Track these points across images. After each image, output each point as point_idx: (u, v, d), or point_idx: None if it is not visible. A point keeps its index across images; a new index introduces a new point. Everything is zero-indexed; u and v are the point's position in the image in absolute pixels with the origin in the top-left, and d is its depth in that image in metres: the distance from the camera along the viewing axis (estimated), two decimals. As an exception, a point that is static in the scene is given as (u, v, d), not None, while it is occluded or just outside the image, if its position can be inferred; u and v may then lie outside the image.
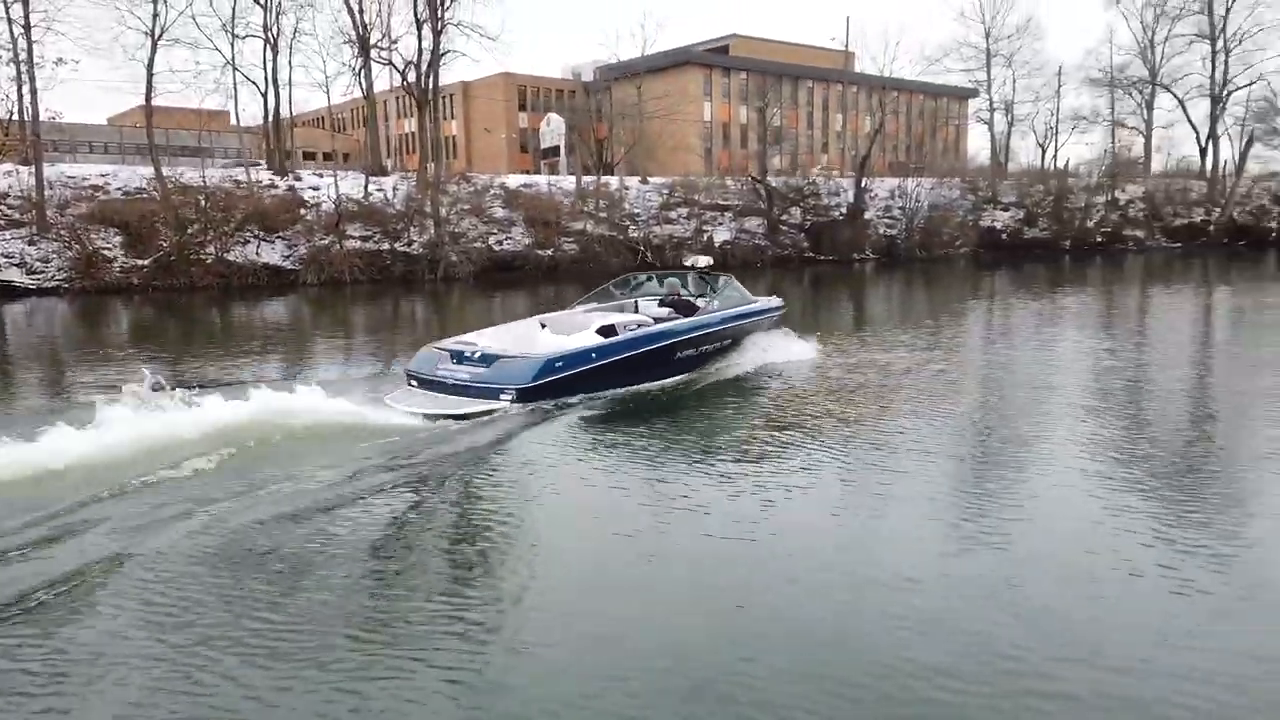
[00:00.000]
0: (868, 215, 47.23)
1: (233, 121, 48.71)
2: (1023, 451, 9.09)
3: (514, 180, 43.56)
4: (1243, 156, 60.55)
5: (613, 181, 45.04)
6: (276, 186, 36.75)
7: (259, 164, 41.56)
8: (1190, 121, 64.11)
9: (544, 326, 12.79)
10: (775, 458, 8.85)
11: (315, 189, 36.46)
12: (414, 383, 11.24)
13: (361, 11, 38.48)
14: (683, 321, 12.80)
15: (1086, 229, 54.27)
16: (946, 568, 5.97)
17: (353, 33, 38.77)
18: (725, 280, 14.64)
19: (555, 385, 10.75)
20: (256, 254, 32.08)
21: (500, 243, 37.66)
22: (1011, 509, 7.13)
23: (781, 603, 5.42)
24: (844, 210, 46.47)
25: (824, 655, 4.78)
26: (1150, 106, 64.78)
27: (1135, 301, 26.94)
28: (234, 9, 40.10)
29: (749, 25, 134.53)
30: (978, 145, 68.58)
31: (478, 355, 11.04)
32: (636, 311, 14.00)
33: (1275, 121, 62.01)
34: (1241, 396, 12.09)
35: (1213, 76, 61.49)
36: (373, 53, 39.10)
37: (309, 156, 61.52)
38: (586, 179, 44.69)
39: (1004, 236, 52.49)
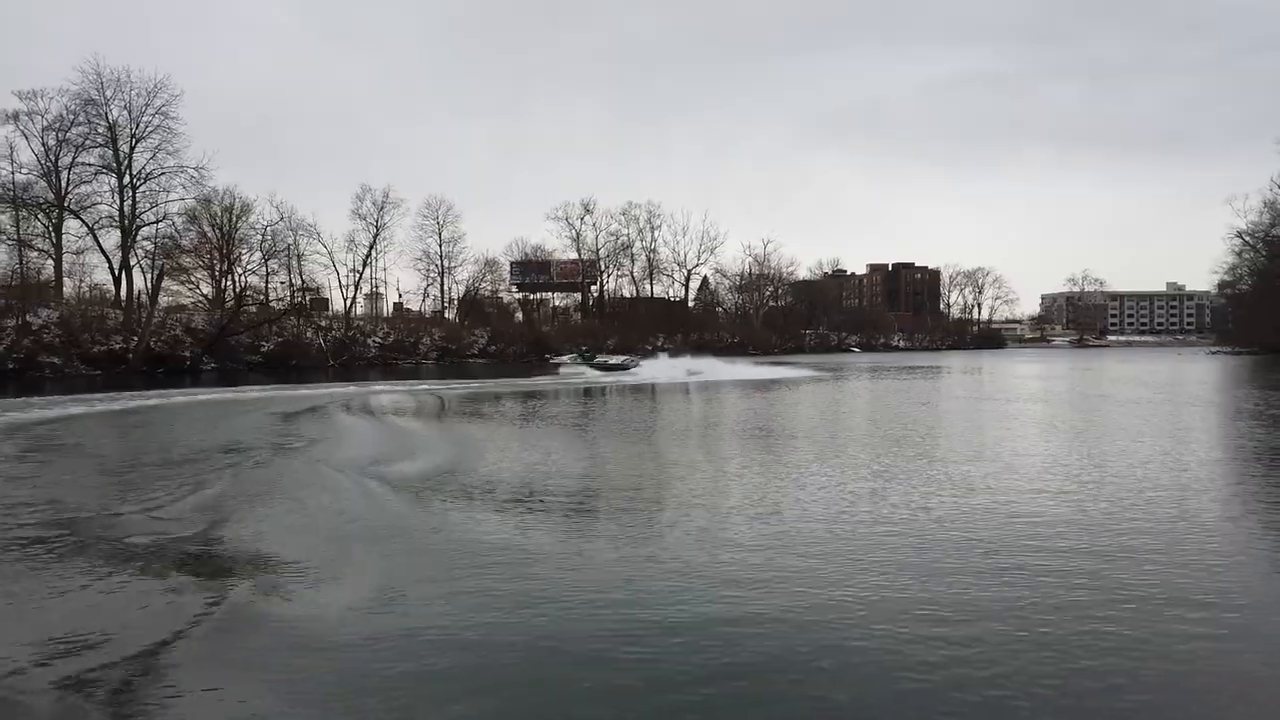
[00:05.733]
0: None
1: None
2: None
3: None
4: (155, 288, 63.57)
5: None
6: None
7: None
8: (102, 250, 64.35)
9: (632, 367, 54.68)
10: None
11: None
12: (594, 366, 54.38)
13: None
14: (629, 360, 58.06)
15: (-2, 354, 48.55)
16: None
17: None
18: (632, 359, 59.19)
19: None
20: None
21: None
22: None
23: None
24: None
25: None
26: (59, 230, 62.64)
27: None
28: None
29: None
30: None
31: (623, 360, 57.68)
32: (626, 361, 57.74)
33: (180, 259, 67.21)
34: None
35: (121, 209, 63.22)
36: None
37: None
38: None
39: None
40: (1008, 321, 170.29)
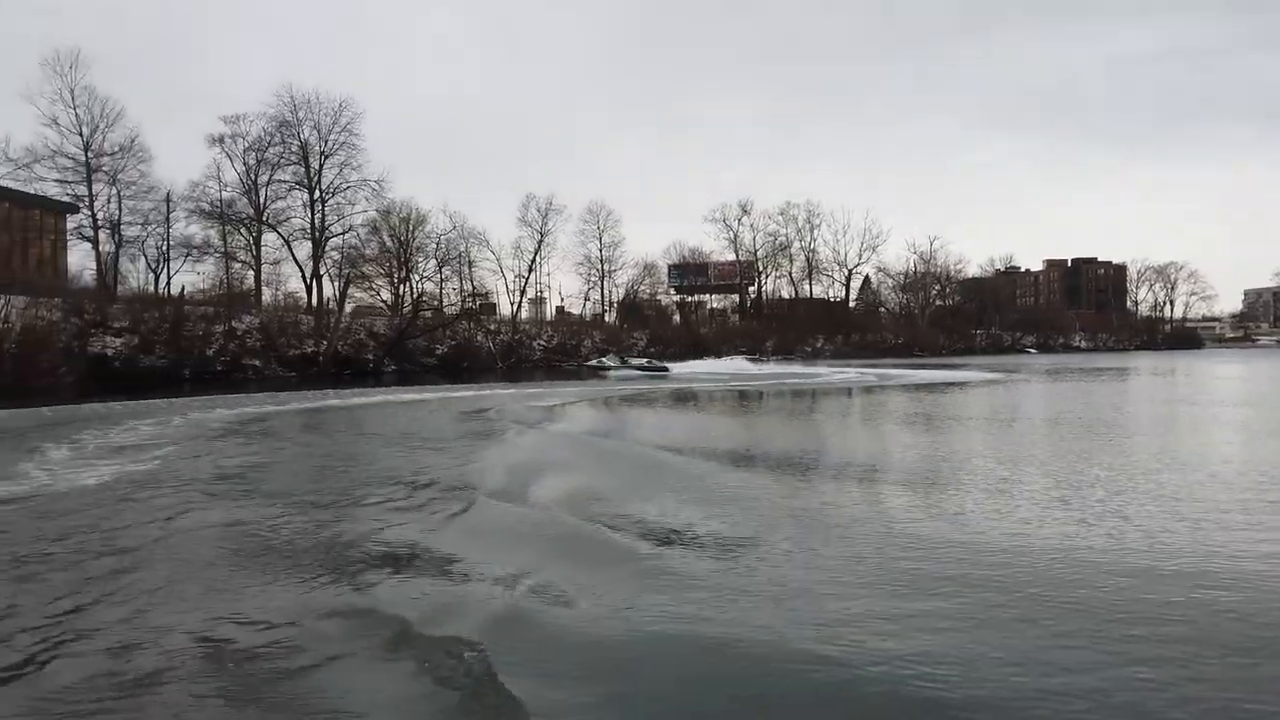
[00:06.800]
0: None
1: None
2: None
3: None
4: (342, 295, 68.26)
5: None
6: None
7: None
8: (296, 260, 69.77)
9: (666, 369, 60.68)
10: None
11: None
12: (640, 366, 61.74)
13: None
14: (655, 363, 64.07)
15: (207, 357, 53.52)
16: None
17: None
18: (652, 360, 65.85)
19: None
20: None
21: None
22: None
23: None
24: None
25: None
26: (259, 243, 68.42)
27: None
28: None
29: None
30: (81, 264, 62.10)
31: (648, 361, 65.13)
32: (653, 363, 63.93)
33: (363, 267, 71.88)
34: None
35: (312, 222, 68.33)
36: None
37: None
38: None
39: (117, 364, 48.05)
40: (1204, 320, 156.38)
